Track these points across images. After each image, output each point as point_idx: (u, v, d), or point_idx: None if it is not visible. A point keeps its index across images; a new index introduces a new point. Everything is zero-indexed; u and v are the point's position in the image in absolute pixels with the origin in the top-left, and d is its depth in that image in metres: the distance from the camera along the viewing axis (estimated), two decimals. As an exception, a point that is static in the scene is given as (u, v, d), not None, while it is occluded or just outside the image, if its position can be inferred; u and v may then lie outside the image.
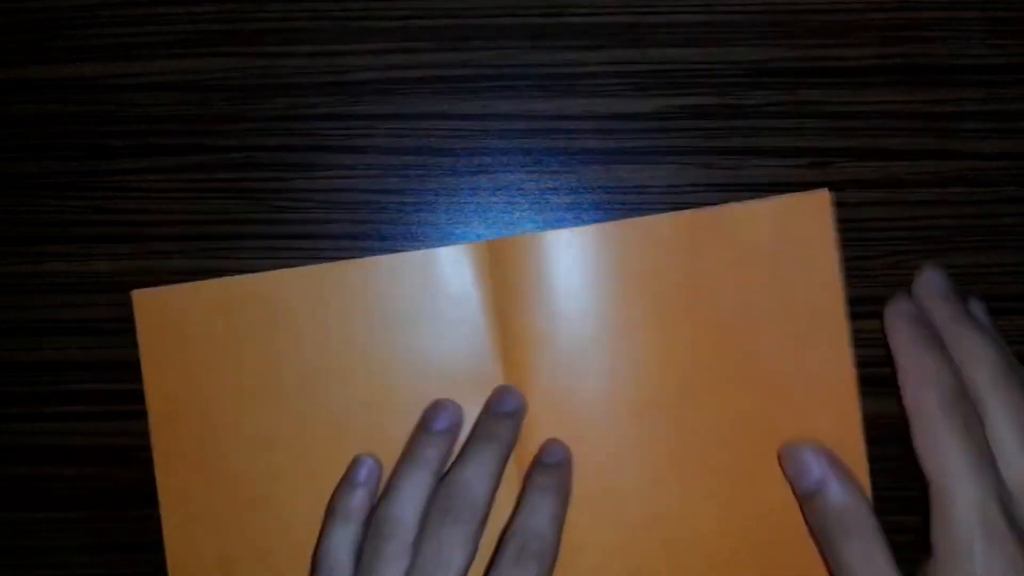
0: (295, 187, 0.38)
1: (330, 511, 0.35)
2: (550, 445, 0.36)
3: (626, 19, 0.38)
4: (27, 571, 0.39)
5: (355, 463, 0.36)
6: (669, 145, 0.38)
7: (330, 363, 0.36)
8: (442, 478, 0.34)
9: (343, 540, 0.34)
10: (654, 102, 0.38)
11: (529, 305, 0.36)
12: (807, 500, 0.33)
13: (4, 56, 0.39)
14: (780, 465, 0.35)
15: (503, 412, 0.35)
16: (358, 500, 0.34)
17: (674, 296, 0.35)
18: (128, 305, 0.39)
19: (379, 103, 0.38)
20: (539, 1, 0.38)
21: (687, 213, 0.35)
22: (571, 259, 0.35)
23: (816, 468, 0.33)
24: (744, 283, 0.35)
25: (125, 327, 0.39)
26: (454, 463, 0.34)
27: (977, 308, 0.33)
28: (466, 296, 0.36)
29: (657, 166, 0.38)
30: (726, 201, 0.37)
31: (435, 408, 0.36)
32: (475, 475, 0.34)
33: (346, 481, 0.35)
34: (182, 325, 0.37)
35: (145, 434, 0.39)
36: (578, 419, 0.35)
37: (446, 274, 0.36)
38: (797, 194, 0.35)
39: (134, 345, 0.39)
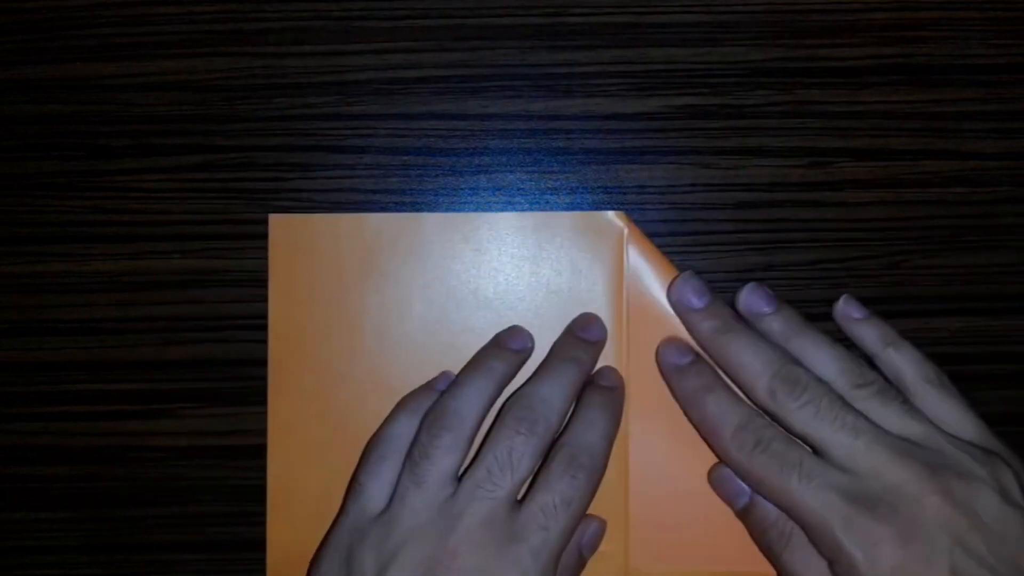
0: (295, 187, 0.38)
1: (399, 405, 0.35)
2: (606, 370, 0.36)
3: (625, 19, 0.38)
4: (26, 571, 0.39)
5: (440, 374, 0.36)
6: (668, 145, 0.38)
7: (456, 311, 0.37)
8: (515, 391, 0.34)
9: (405, 428, 0.34)
10: (653, 102, 0.38)
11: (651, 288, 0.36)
12: (744, 516, 0.34)
13: (4, 56, 0.39)
14: (712, 487, 0.35)
15: (585, 338, 0.36)
16: (430, 401, 0.34)
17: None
18: (128, 305, 0.39)
19: (379, 103, 0.38)
20: (539, 1, 0.38)
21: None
22: None
23: (770, 513, 0.33)
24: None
25: (125, 327, 0.39)
26: (531, 377, 0.35)
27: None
28: (603, 262, 0.36)
29: (656, 166, 0.38)
30: (726, 201, 0.37)
31: (509, 330, 0.37)
32: (552, 392, 0.34)
33: (424, 385, 0.36)
34: (313, 254, 0.37)
35: (144, 434, 0.39)
36: None
37: (591, 235, 0.36)
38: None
39: (135, 345, 0.39)
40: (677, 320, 0.35)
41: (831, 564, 0.30)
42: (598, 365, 0.36)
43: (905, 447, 0.30)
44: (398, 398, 0.36)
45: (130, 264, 0.39)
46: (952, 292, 0.38)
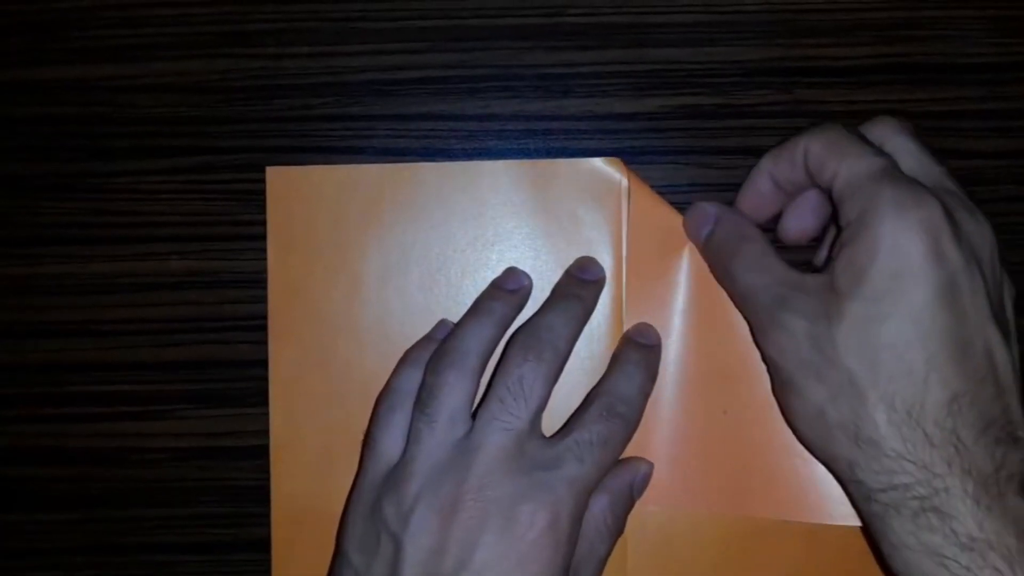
0: (294, 188, 0.38)
1: (403, 359, 0.35)
2: (643, 327, 0.36)
3: (625, 19, 0.38)
4: (25, 572, 0.39)
5: (438, 324, 0.36)
6: (667, 145, 0.38)
7: (456, 258, 0.37)
8: (519, 325, 0.34)
9: (410, 379, 0.34)
10: (653, 102, 0.38)
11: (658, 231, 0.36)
12: (706, 248, 0.34)
13: (4, 58, 0.39)
14: (686, 229, 0.35)
15: (584, 278, 0.36)
16: (432, 351, 0.34)
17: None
18: (128, 307, 0.39)
19: (378, 103, 0.38)
20: (539, 1, 0.38)
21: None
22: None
23: (711, 211, 0.34)
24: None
25: (124, 329, 0.39)
26: (536, 312, 0.35)
27: None
28: (602, 209, 0.36)
29: (655, 166, 0.38)
30: (727, 202, 0.37)
31: (505, 272, 0.37)
32: (555, 320, 0.34)
33: (424, 336, 0.36)
34: (311, 205, 0.37)
35: (144, 436, 0.39)
36: None
37: (590, 183, 0.36)
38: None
39: (134, 346, 0.39)
40: (677, 264, 0.35)
41: (847, 226, 0.29)
42: (606, 307, 0.36)
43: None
44: (399, 349, 0.36)
45: (129, 265, 0.39)
46: (952, 292, 0.38)
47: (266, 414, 0.37)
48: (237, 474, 0.39)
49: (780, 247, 0.33)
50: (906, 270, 0.28)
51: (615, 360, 0.35)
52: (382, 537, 0.31)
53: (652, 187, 0.36)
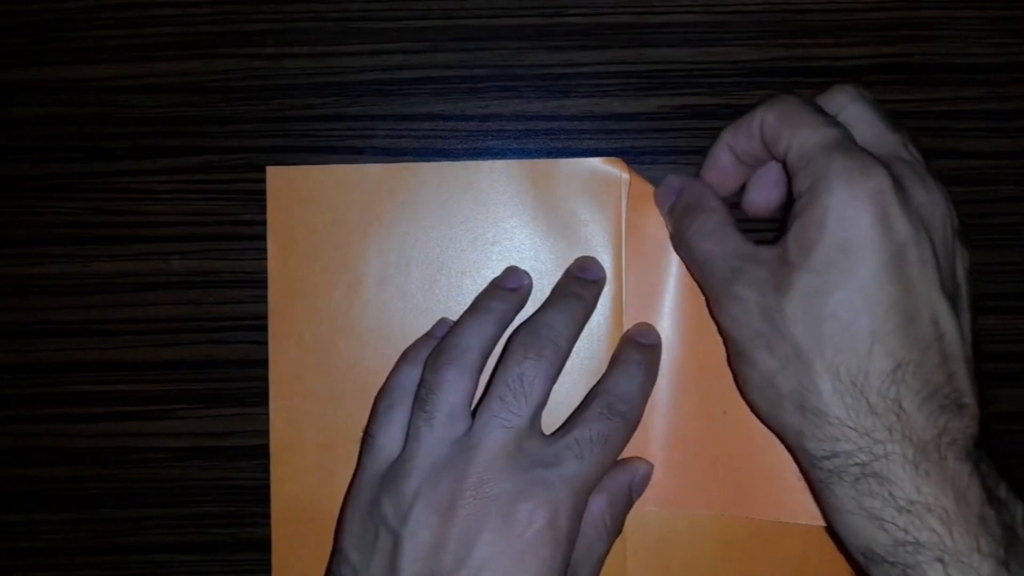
0: (294, 188, 0.38)
1: (402, 356, 0.35)
2: (644, 326, 0.36)
3: (625, 19, 0.38)
4: (26, 573, 0.39)
5: (437, 322, 0.36)
6: (668, 145, 0.38)
7: (456, 258, 0.37)
8: (519, 324, 0.34)
9: (409, 376, 0.34)
10: (653, 102, 0.38)
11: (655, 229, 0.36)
12: (668, 218, 0.35)
13: (4, 58, 0.39)
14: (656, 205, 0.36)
15: (584, 278, 0.36)
16: (431, 348, 0.34)
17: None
18: (128, 307, 0.39)
19: (378, 103, 0.38)
20: (539, 1, 0.38)
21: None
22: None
23: (675, 183, 0.34)
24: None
25: (125, 329, 0.39)
26: (536, 310, 0.35)
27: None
28: (603, 209, 0.36)
29: (656, 166, 0.38)
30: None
31: (505, 271, 0.37)
32: (556, 318, 0.34)
33: (424, 334, 0.36)
34: (311, 205, 0.37)
35: (144, 435, 0.39)
36: None
37: (590, 183, 0.37)
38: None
39: (134, 346, 0.39)
40: (677, 264, 0.35)
41: (799, 197, 0.30)
42: (606, 307, 0.36)
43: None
44: (399, 348, 0.36)
45: (130, 265, 0.39)
46: (952, 292, 0.38)
47: (266, 414, 0.37)
48: (237, 474, 0.39)
49: (744, 220, 0.33)
50: (853, 241, 0.28)
51: (615, 359, 0.35)
52: (380, 533, 0.31)
53: (653, 187, 0.36)
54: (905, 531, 0.27)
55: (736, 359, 0.32)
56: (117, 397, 0.39)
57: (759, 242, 0.31)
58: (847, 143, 0.29)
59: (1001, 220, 0.38)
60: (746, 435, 0.34)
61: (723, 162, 0.34)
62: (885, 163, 0.29)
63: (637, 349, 0.35)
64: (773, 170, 0.34)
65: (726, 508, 0.35)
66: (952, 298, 0.29)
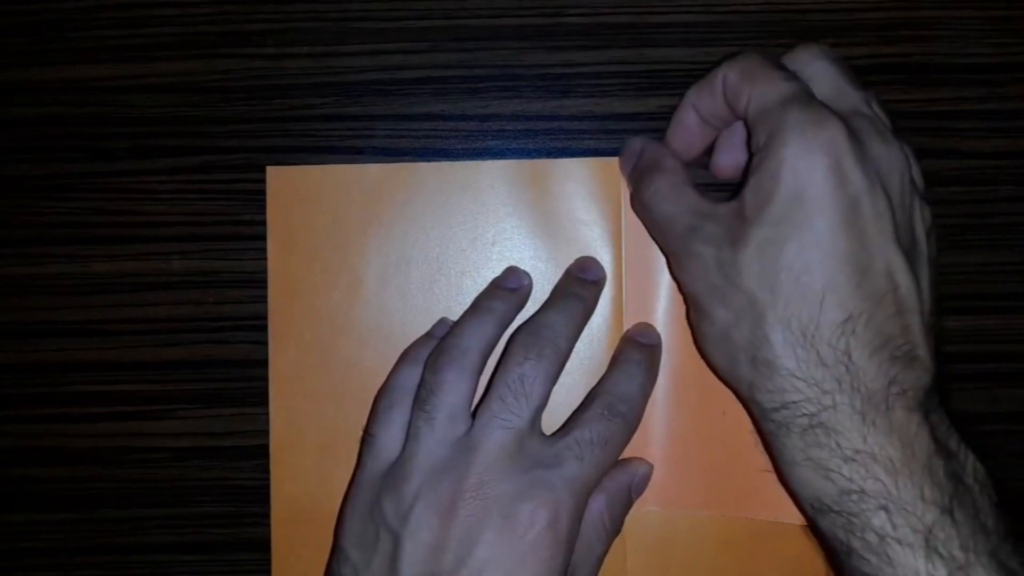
0: (294, 188, 0.38)
1: (402, 357, 0.35)
2: (644, 326, 0.36)
3: (625, 19, 0.38)
4: (26, 573, 0.39)
5: (437, 322, 0.36)
6: (668, 145, 0.38)
7: (456, 258, 0.37)
8: (519, 325, 0.34)
9: (409, 377, 0.34)
10: (653, 102, 0.38)
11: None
12: (629, 181, 0.35)
13: (4, 58, 0.39)
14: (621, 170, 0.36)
15: (584, 278, 0.36)
16: (431, 348, 0.34)
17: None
18: (128, 307, 0.39)
19: (378, 103, 0.38)
20: (539, 1, 0.38)
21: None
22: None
23: (636, 145, 0.35)
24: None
25: (125, 329, 0.39)
26: (536, 311, 0.35)
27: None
28: (602, 209, 0.36)
29: (656, 166, 0.38)
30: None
31: (505, 271, 0.37)
32: (556, 319, 0.34)
33: (424, 335, 0.36)
34: (311, 205, 0.37)
35: (144, 435, 0.39)
36: None
37: (590, 183, 0.37)
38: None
39: (134, 346, 0.39)
40: None
41: (756, 152, 0.30)
42: (606, 307, 0.36)
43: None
44: (399, 348, 0.36)
45: (130, 265, 0.39)
46: (952, 291, 0.38)
47: (266, 414, 0.37)
48: (237, 474, 0.39)
49: (712, 183, 0.34)
50: (807, 193, 0.28)
51: (616, 359, 0.35)
52: (381, 533, 0.31)
53: None
54: (850, 480, 0.27)
55: (694, 315, 0.32)
56: (117, 397, 0.39)
57: (717, 200, 0.31)
58: (804, 96, 0.29)
59: (1001, 220, 0.38)
60: (746, 435, 0.34)
61: (688, 122, 0.34)
62: (843, 117, 0.29)
63: (637, 349, 0.35)
64: (739, 131, 0.34)
65: (726, 508, 0.35)
66: (908, 252, 0.29)
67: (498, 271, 0.37)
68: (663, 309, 0.36)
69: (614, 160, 0.36)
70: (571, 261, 0.37)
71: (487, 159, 0.38)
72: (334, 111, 0.38)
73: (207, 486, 0.39)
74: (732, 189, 0.34)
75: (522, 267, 0.37)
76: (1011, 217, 0.38)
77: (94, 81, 0.39)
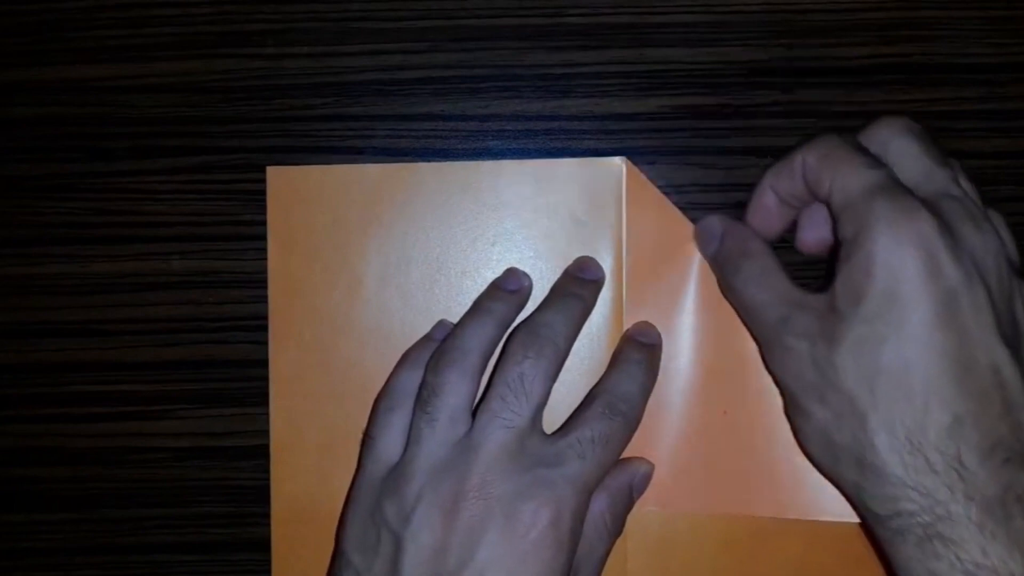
0: (294, 188, 0.38)
1: (402, 359, 0.35)
2: (644, 325, 0.36)
3: (625, 19, 0.38)
4: (26, 573, 0.39)
5: (437, 324, 0.36)
6: (668, 145, 0.38)
7: (456, 258, 0.37)
8: (518, 324, 0.34)
9: (410, 379, 0.34)
10: (653, 102, 0.38)
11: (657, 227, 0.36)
12: (712, 264, 0.34)
13: (4, 58, 0.39)
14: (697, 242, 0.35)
15: (583, 278, 0.36)
16: (431, 350, 0.34)
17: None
18: (128, 307, 0.39)
19: (378, 104, 0.38)
20: (539, 1, 0.38)
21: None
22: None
23: (717, 227, 0.34)
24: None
25: (125, 329, 0.39)
26: (535, 310, 0.35)
27: None
28: (602, 209, 0.36)
29: (656, 166, 0.38)
30: (726, 201, 0.37)
31: (504, 273, 0.37)
32: (555, 318, 0.34)
33: (424, 337, 0.36)
34: (311, 205, 0.37)
35: (144, 436, 0.39)
36: None
37: (590, 183, 0.36)
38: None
39: (134, 346, 0.39)
40: (678, 264, 0.35)
41: (844, 244, 0.29)
42: (606, 307, 0.36)
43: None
44: (399, 348, 0.36)
45: (130, 265, 0.39)
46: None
47: (266, 414, 0.37)
48: (237, 474, 0.39)
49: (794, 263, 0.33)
50: (901, 289, 0.27)
51: (616, 359, 0.35)
52: (383, 536, 0.31)
53: (653, 187, 0.36)
54: None
55: (791, 410, 0.31)
56: (117, 397, 0.39)
57: (807, 288, 0.31)
58: (890, 185, 0.28)
59: (1001, 220, 0.38)
60: (746, 435, 0.34)
61: (767, 204, 0.33)
62: (932, 203, 0.28)
63: (638, 348, 0.35)
64: (821, 209, 0.33)
65: (726, 508, 0.35)
66: (1012, 343, 0.28)
67: (498, 271, 0.37)
68: (663, 309, 0.36)
69: (614, 160, 0.36)
70: (571, 261, 0.37)
71: (487, 159, 0.38)
72: (334, 111, 0.38)
73: (207, 486, 0.39)
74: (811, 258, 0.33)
75: (522, 267, 0.37)
76: (1011, 217, 0.38)
77: (94, 81, 0.39)
